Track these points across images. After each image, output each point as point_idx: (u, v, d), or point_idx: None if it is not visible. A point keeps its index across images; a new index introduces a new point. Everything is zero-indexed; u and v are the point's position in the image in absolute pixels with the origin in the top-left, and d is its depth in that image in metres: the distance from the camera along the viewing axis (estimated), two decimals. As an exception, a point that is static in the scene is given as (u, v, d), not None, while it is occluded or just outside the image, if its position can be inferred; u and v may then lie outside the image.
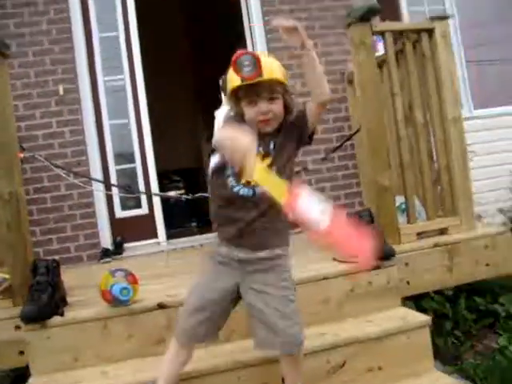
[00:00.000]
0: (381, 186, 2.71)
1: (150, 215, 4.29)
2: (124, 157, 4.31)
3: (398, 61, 3.00)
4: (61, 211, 3.87)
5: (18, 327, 2.29)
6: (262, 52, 1.58)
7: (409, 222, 2.84)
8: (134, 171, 4.28)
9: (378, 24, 3.22)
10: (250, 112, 1.71)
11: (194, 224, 5.81)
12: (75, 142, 3.94)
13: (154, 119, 4.39)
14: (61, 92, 3.95)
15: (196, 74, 7.43)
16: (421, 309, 3.39)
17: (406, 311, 2.30)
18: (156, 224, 4.26)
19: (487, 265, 2.78)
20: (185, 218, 5.61)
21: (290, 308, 1.73)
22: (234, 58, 1.61)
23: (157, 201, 4.24)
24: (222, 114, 2.94)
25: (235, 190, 1.71)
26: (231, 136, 1.55)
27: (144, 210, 4.30)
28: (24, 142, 3.50)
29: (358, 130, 3.28)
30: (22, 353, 2.30)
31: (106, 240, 4.01)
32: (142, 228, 4.26)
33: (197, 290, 1.78)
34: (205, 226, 5.48)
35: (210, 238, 4.38)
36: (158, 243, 4.26)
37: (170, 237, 4.35)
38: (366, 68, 2.72)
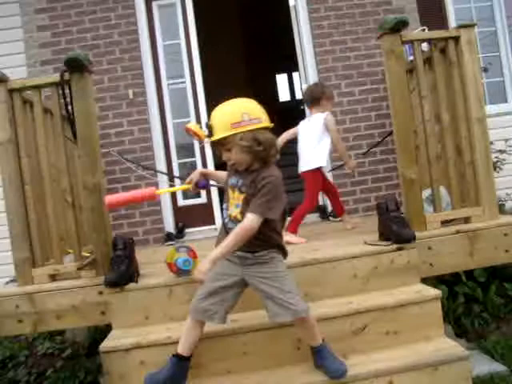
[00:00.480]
0: (408, 179, 3.05)
1: (209, 204, 4.78)
2: (185, 151, 4.83)
3: (430, 65, 3.33)
4: (131, 199, 4.44)
5: (100, 292, 2.82)
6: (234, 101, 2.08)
7: (435, 211, 3.18)
8: (194, 164, 4.78)
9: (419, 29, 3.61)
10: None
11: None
12: (143, 139, 4.50)
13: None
14: (130, 96, 4.52)
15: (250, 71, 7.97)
16: (453, 293, 3.73)
17: (422, 287, 2.65)
18: (213, 212, 4.76)
19: (506, 251, 3.06)
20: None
21: (287, 285, 2.18)
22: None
23: (214, 191, 4.72)
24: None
25: (226, 221, 2.25)
26: None
27: (203, 199, 4.80)
28: (100, 140, 4.07)
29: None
30: (103, 313, 2.83)
31: (170, 225, 4.55)
32: (201, 215, 4.77)
33: (209, 279, 2.19)
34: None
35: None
36: (215, 229, 4.73)
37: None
38: (396, 73, 3.06)
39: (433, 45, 3.23)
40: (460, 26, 3.19)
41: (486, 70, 5.11)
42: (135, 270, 2.80)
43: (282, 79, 11.46)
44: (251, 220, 2.07)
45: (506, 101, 5.71)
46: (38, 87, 3.10)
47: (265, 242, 2.21)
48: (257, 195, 2.11)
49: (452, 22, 5.51)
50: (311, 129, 3.64)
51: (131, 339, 2.43)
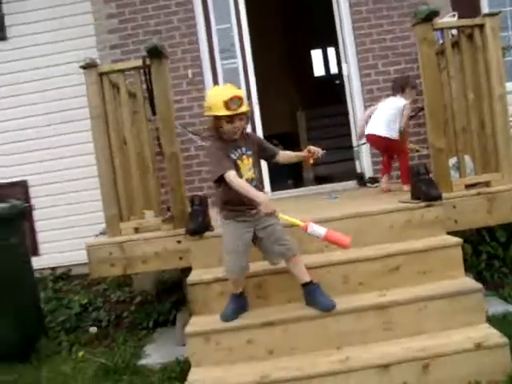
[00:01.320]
0: (437, 148, 3.56)
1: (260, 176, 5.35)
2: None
3: (458, 47, 3.80)
4: (190, 168, 5.04)
5: (179, 241, 3.46)
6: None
7: (460, 176, 3.69)
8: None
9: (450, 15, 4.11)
10: (228, 127, 2.79)
11: (290, 181, 6.87)
12: (201, 113, 5.05)
13: (258, 92, 5.43)
14: (190, 75, 5.09)
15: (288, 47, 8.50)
16: (477, 251, 4.27)
17: (447, 237, 3.19)
18: (263, 179, 5.32)
19: (520, 210, 3.56)
20: (284, 175, 6.63)
21: (284, 231, 2.83)
22: (229, 97, 2.70)
23: (264, 165, 5.22)
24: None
25: None
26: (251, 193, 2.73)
27: (257, 171, 5.37)
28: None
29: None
30: (181, 258, 3.47)
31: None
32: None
33: (233, 244, 2.86)
34: (298, 182, 6.54)
35: (303, 190, 5.41)
36: (266, 194, 5.32)
37: (273, 190, 5.48)
38: (427, 57, 3.54)
39: (461, 31, 3.70)
40: (485, 15, 3.65)
41: None
42: (208, 222, 3.41)
43: (317, 54, 11.87)
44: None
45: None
46: (122, 71, 3.71)
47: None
48: (264, 144, 3.03)
49: (484, 3, 5.87)
50: (392, 107, 4.28)
51: (210, 275, 3.07)
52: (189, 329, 2.85)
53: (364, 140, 4.54)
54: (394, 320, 2.76)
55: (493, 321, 3.25)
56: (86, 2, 5.34)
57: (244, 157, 2.85)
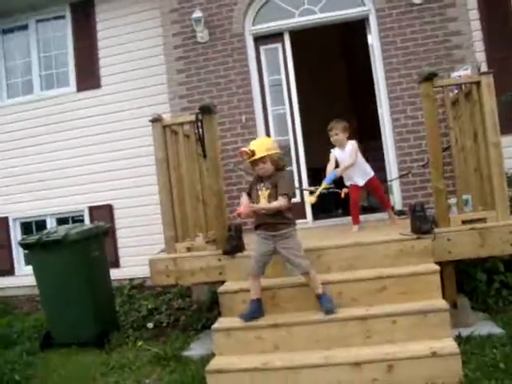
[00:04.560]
0: (437, 188, 4.17)
1: (301, 202, 6.12)
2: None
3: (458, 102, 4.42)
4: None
5: (219, 259, 4.32)
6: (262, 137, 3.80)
7: (458, 212, 4.28)
8: (291, 172, 6.13)
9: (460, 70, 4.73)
10: (255, 169, 3.72)
11: (339, 210, 7.48)
12: (252, 153, 5.96)
13: (310, 129, 6.28)
14: (243, 120, 6.03)
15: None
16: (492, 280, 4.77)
17: (431, 264, 3.80)
18: (305, 209, 6.12)
19: (511, 244, 4.07)
20: (333, 204, 7.29)
21: (300, 251, 3.63)
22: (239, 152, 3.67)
23: (306, 192, 6.04)
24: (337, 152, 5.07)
25: None
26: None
27: (297, 198, 6.10)
28: (220, 154, 5.59)
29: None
30: (220, 273, 4.33)
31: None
32: (295, 211, 6.09)
33: (256, 252, 3.72)
34: (347, 211, 7.15)
35: (346, 219, 6.03)
36: (306, 222, 6.09)
37: (317, 218, 6.21)
38: (429, 110, 4.19)
39: (460, 88, 4.33)
40: (480, 73, 4.24)
41: None
42: (241, 245, 4.27)
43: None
44: (283, 201, 3.61)
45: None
46: (181, 124, 4.68)
47: (287, 222, 3.68)
48: (279, 185, 3.65)
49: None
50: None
51: (237, 286, 3.93)
52: (215, 326, 3.72)
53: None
54: (373, 329, 3.46)
55: (475, 339, 3.83)
56: (161, 56, 6.52)
57: (263, 188, 3.72)
